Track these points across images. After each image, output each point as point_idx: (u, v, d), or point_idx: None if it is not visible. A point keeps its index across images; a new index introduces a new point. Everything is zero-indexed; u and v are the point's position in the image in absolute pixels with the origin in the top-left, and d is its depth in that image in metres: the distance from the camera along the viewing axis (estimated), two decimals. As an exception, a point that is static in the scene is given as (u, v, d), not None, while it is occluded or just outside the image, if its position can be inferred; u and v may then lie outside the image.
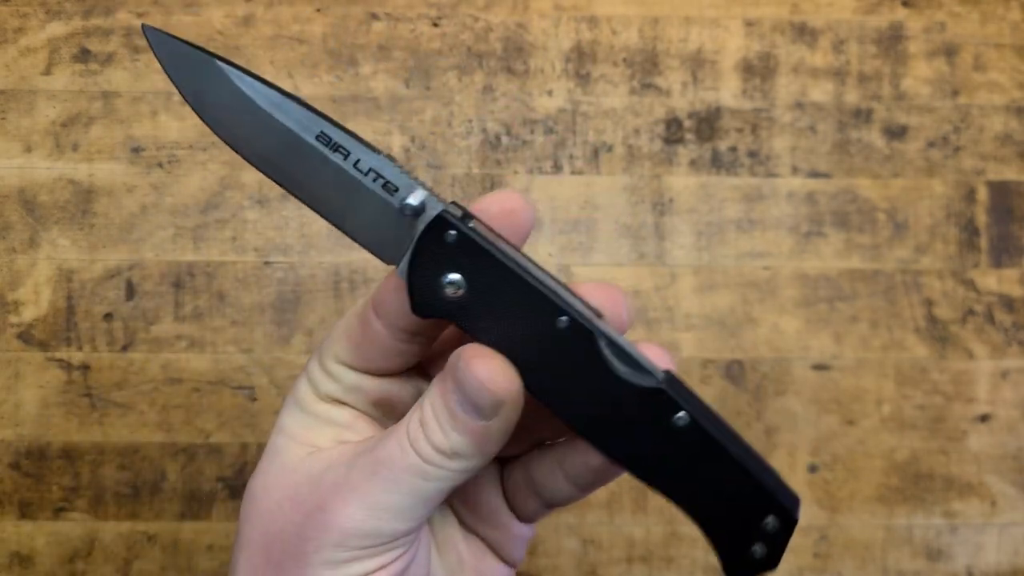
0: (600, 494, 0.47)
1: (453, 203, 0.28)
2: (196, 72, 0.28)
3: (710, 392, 0.47)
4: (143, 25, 0.28)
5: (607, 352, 0.27)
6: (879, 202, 0.48)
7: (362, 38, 0.48)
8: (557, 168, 0.48)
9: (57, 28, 0.47)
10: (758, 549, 0.28)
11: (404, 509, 0.27)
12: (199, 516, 0.46)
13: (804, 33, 0.49)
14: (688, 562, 0.47)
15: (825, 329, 0.48)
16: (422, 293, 0.28)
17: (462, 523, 0.33)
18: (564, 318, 0.27)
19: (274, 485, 0.29)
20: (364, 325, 0.29)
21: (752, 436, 0.47)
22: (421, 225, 0.27)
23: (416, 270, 0.27)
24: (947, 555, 0.48)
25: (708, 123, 0.48)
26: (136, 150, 0.47)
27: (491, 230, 0.28)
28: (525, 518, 0.32)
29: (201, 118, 0.28)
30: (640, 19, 0.48)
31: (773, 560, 0.28)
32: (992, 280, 0.48)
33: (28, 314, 0.46)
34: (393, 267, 0.28)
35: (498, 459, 0.32)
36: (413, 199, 0.27)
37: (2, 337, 0.46)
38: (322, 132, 0.28)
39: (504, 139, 0.48)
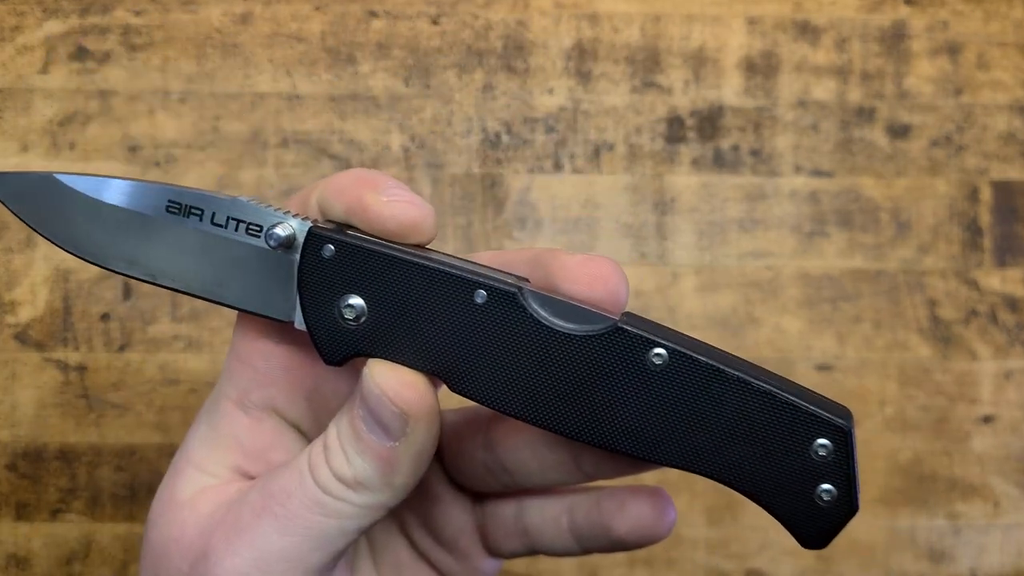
0: (601, 496, 0.47)
1: (325, 220, 0.25)
2: (36, 196, 0.25)
3: (712, 393, 0.47)
4: None
5: (541, 312, 0.23)
6: (882, 201, 0.48)
7: (361, 36, 0.47)
8: (558, 167, 0.47)
9: (54, 26, 0.47)
10: (823, 490, 0.22)
11: (300, 556, 0.23)
12: (197, 518, 0.46)
13: (807, 31, 0.48)
14: (690, 564, 0.47)
15: (828, 329, 0.47)
16: (325, 334, 0.24)
17: (413, 547, 0.29)
18: (481, 291, 0.23)
19: (163, 519, 0.25)
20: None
21: (754, 437, 0.47)
22: (297, 253, 0.24)
23: (310, 309, 0.24)
24: (950, 557, 0.47)
25: (710, 122, 0.48)
26: (133, 149, 0.47)
27: (374, 236, 0.24)
28: (499, 554, 0.29)
29: (62, 246, 0.25)
30: (641, 17, 0.48)
31: (847, 495, 0.22)
32: (995, 280, 0.48)
33: (24, 314, 0.46)
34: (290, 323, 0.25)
35: (470, 491, 0.28)
36: (279, 230, 0.24)
37: (-2, 337, 0.46)
38: (169, 201, 0.25)
39: (504, 138, 0.47)
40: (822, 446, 0.22)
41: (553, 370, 0.23)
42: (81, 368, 0.46)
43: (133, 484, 0.46)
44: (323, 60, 0.47)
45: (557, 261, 0.24)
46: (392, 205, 0.24)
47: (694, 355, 0.22)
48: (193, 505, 0.25)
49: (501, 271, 0.24)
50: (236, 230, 0.25)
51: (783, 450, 0.22)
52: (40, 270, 0.46)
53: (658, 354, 0.22)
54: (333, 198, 0.25)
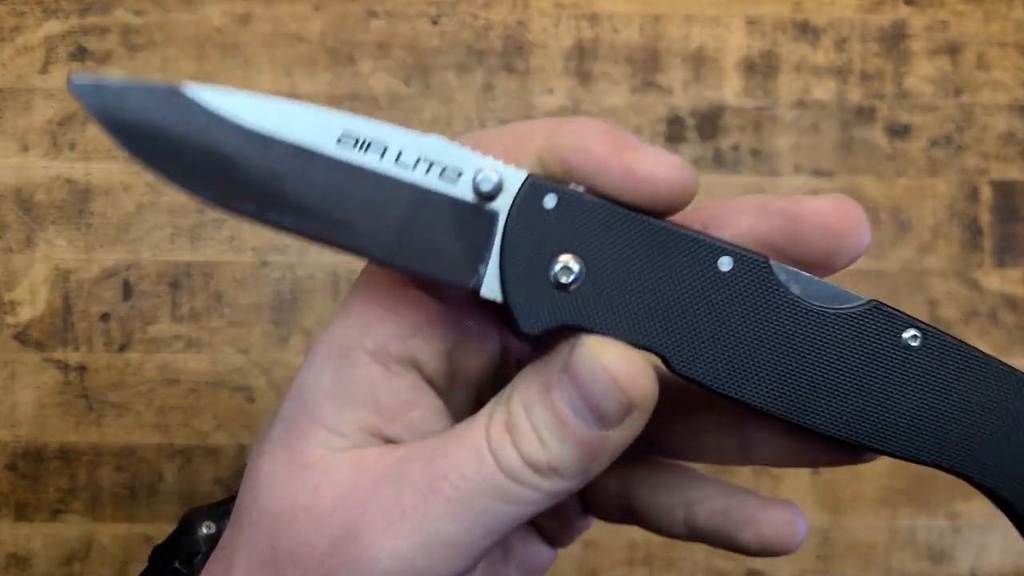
0: (601, 496, 0.47)
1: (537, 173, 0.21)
2: (152, 116, 0.20)
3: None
4: (70, 80, 0.21)
5: (791, 286, 0.20)
6: (882, 201, 0.48)
7: (361, 36, 0.47)
8: (558, 167, 0.47)
9: (54, 26, 0.47)
10: None
11: (467, 542, 0.21)
12: (197, 518, 0.46)
13: (806, 31, 0.48)
14: (689, 565, 0.47)
15: (828, 329, 0.47)
16: (528, 300, 0.20)
17: None
18: (726, 258, 0.20)
19: (286, 484, 0.22)
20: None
21: (754, 437, 0.47)
22: (503, 205, 0.20)
23: (513, 269, 0.20)
24: (950, 557, 0.47)
25: (710, 121, 0.48)
26: (133, 149, 0.47)
27: (597, 193, 0.21)
28: (597, 515, 0.27)
29: (171, 179, 0.21)
30: (641, 17, 0.48)
31: None
32: (996, 280, 0.48)
33: (24, 314, 0.46)
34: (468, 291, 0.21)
35: None
36: (489, 174, 0.20)
37: (-2, 337, 0.46)
38: (344, 132, 0.21)
39: (504, 138, 0.47)
40: None
41: (802, 349, 0.20)
42: (81, 368, 0.46)
43: (133, 484, 0.46)
44: (323, 60, 0.47)
45: (798, 205, 0.21)
46: (664, 165, 0.20)
47: (950, 337, 0.20)
48: (324, 470, 0.21)
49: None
50: (427, 173, 0.21)
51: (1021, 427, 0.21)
52: (40, 270, 0.46)
53: (914, 335, 0.20)
54: (573, 150, 0.21)
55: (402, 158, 0.21)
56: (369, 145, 0.21)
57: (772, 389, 0.21)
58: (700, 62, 0.48)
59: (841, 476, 0.47)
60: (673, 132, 0.48)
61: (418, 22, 0.48)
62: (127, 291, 0.46)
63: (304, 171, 0.21)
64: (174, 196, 0.46)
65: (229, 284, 0.46)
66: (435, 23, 0.48)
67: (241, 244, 0.46)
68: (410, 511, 0.20)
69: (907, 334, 0.20)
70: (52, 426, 0.46)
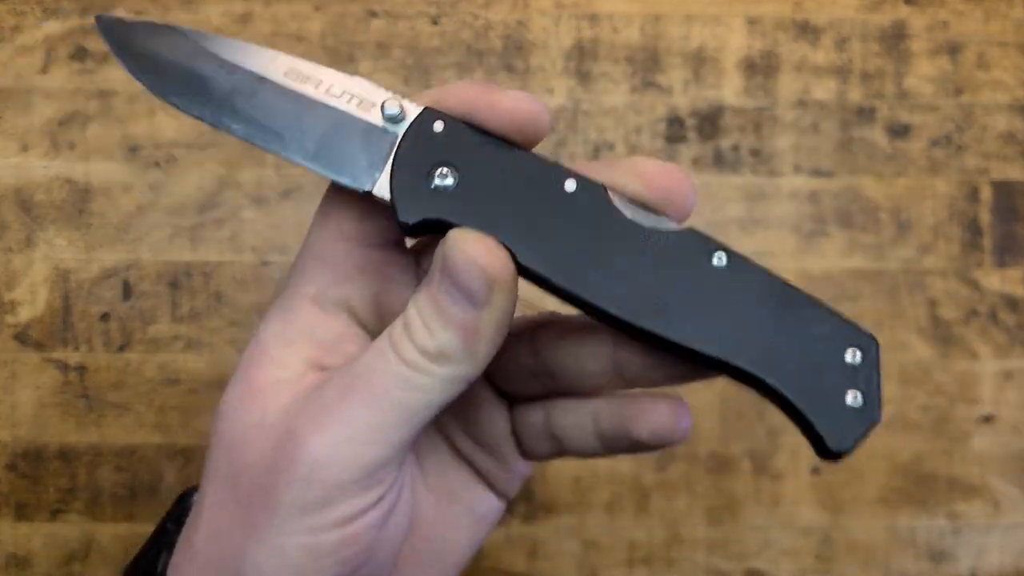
0: (601, 495, 0.47)
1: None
2: (153, 44, 0.28)
3: (712, 392, 0.47)
4: (98, 18, 0.28)
5: (623, 207, 0.25)
6: (882, 201, 0.48)
7: (361, 36, 0.47)
8: (558, 167, 0.47)
9: (54, 26, 0.47)
10: (850, 398, 0.24)
11: (386, 429, 0.24)
12: (197, 518, 0.46)
13: (806, 31, 0.48)
14: (689, 564, 0.47)
15: (828, 329, 0.47)
16: (407, 196, 0.25)
17: (455, 450, 0.30)
18: (571, 180, 0.25)
19: (240, 407, 0.26)
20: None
21: (755, 438, 0.47)
22: (401, 128, 0.26)
23: (400, 171, 0.26)
24: (950, 557, 0.47)
25: (710, 121, 0.48)
26: (133, 149, 0.47)
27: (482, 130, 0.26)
28: (531, 457, 0.30)
29: (159, 92, 0.27)
30: (641, 17, 0.48)
31: (872, 403, 0.24)
32: (996, 280, 0.48)
33: (24, 314, 0.46)
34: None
35: (507, 396, 0.30)
36: (392, 107, 0.26)
37: (-2, 337, 0.46)
38: (290, 67, 0.27)
39: (504, 138, 0.47)
40: (854, 354, 0.24)
41: (624, 256, 0.25)
42: (81, 368, 0.46)
43: (133, 484, 0.46)
44: (323, 60, 0.47)
45: (638, 166, 0.26)
46: (517, 98, 0.26)
47: (751, 261, 0.24)
48: (273, 394, 0.26)
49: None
50: (348, 102, 0.26)
51: (820, 353, 0.24)
52: (40, 270, 0.46)
53: (720, 256, 0.24)
54: (451, 96, 0.26)
55: (332, 90, 0.27)
56: (308, 79, 0.27)
57: (595, 286, 0.25)
58: (700, 62, 0.48)
59: (841, 477, 0.47)
60: (673, 132, 0.48)
61: (418, 22, 0.48)
62: (127, 291, 0.46)
63: (256, 92, 0.27)
64: (174, 196, 0.46)
65: (229, 284, 0.46)
66: (435, 23, 0.48)
67: (241, 244, 0.46)
68: (332, 407, 0.24)
69: (716, 255, 0.25)
70: (52, 426, 0.46)
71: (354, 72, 0.47)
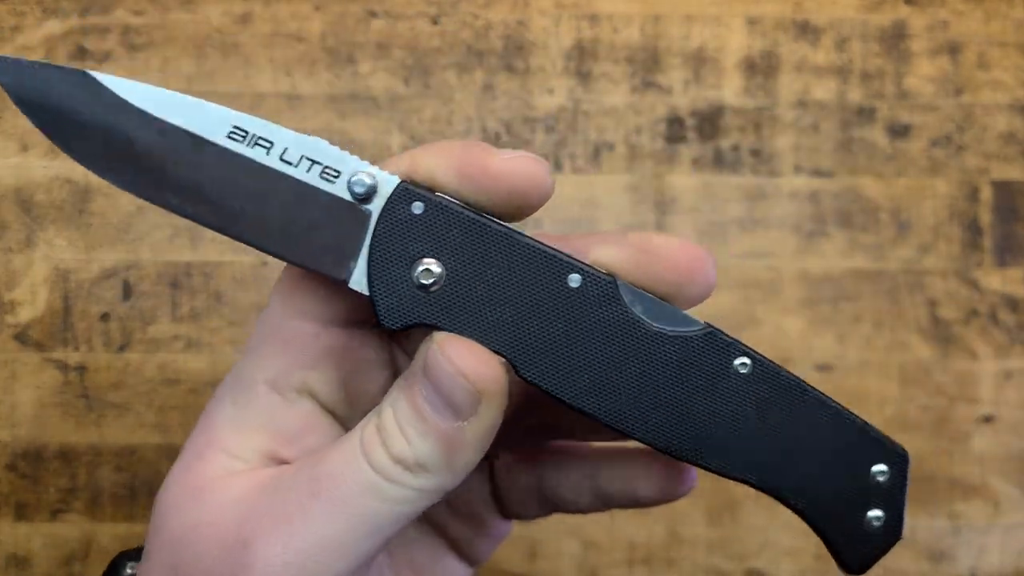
0: (601, 496, 0.47)
1: (409, 180, 0.23)
2: (63, 93, 0.23)
3: (712, 393, 0.47)
4: None
5: (634, 306, 0.22)
6: (882, 201, 0.48)
7: (361, 36, 0.47)
8: (558, 167, 0.47)
9: (54, 26, 0.47)
10: (873, 516, 0.22)
11: (349, 543, 0.21)
12: (197, 518, 0.46)
13: (807, 31, 0.48)
14: (689, 564, 0.47)
15: (828, 330, 0.47)
16: (390, 296, 0.22)
17: (425, 520, 0.27)
18: (575, 275, 0.22)
19: (186, 505, 0.23)
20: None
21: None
22: (376, 207, 0.22)
23: (378, 266, 0.22)
24: (950, 557, 0.47)
25: (710, 121, 0.48)
26: (133, 149, 0.47)
27: (464, 204, 0.23)
28: (513, 517, 0.28)
29: (73, 155, 0.22)
30: (641, 17, 0.48)
31: (895, 523, 0.22)
32: (996, 280, 0.48)
33: (24, 314, 0.46)
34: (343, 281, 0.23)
35: (488, 454, 0.27)
36: (364, 177, 0.22)
37: (-2, 337, 0.46)
38: (234, 127, 0.23)
39: (504, 138, 0.47)
40: (881, 472, 0.22)
41: (638, 365, 0.22)
42: (81, 368, 0.46)
43: (133, 484, 0.46)
44: (323, 60, 0.47)
45: (651, 242, 0.23)
46: (514, 161, 0.22)
47: (777, 368, 0.22)
48: (223, 489, 0.23)
49: (591, 264, 0.23)
50: (308, 171, 0.22)
51: (845, 470, 0.22)
52: (40, 270, 0.46)
53: (743, 363, 0.22)
54: (438, 157, 0.23)
55: (286, 154, 0.22)
56: (257, 140, 0.22)
57: (609, 402, 0.22)
58: (700, 62, 0.48)
59: (841, 476, 0.47)
60: (673, 132, 0.48)
61: (418, 22, 0.47)
62: (127, 291, 0.46)
63: (196, 159, 0.22)
64: (174, 196, 0.46)
65: (229, 284, 0.46)
66: (435, 23, 0.48)
67: (241, 244, 0.46)
68: (294, 515, 0.21)
69: (738, 361, 0.22)
70: (52, 426, 0.46)
71: (354, 73, 0.47)
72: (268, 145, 0.23)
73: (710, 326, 0.23)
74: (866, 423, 0.22)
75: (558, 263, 0.22)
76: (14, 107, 0.46)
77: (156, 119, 0.22)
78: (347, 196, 0.22)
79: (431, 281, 0.22)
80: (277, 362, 0.24)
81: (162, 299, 0.46)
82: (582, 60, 0.48)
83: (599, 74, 0.48)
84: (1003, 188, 0.48)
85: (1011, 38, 0.49)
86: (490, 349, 0.22)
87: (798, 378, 0.22)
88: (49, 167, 0.46)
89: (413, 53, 0.47)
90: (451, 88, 0.47)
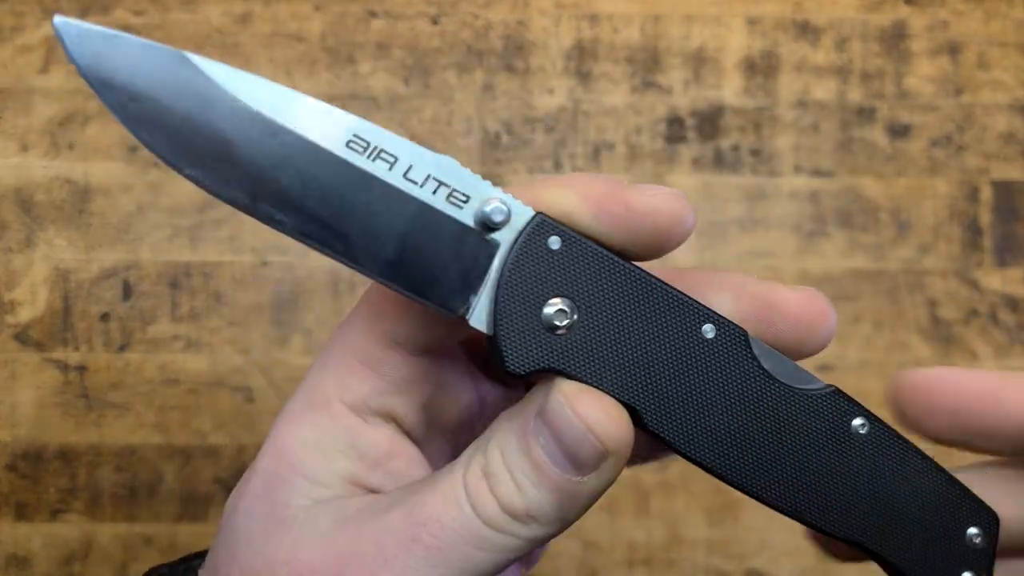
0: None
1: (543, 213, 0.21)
2: (148, 74, 0.19)
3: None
4: (55, 22, 0.19)
5: (764, 361, 0.22)
6: (882, 201, 0.48)
7: (361, 36, 0.47)
8: (558, 167, 0.47)
9: (53, 26, 0.47)
10: None
11: None
12: (196, 518, 0.46)
13: (807, 31, 0.48)
14: (689, 565, 0.47)
15: (828, 329, 0.47)
16: (518, 338, 0.20)
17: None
18: (709, 326, 0.21)
19: (269, 534, 0.21)
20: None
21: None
22: (504, 239, 0.20)
23: (507, 305, 0.20)
24: (950, 557, 0.47)
25: (710, 122, 0.48)
26: (133, 149, 0.47)
27: (586, 235, 0.21)
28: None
29: (151, 147, 0.20)
30: (641, 17, 0.48)
31: None
32: (996, 280, 0.48)
33: (24, 314, 0.46)
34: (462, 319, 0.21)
35: None
36: (497, 205, 0.20)
37: (-2, 337, 0.46)
38: (355, 135, 0.20)
39: (504, 138, 0.47)
40: (975, 535, 0.22)
41: (769, 421, 0.22)
42: (81, 368, 0.46)
43: (133, 484, 0.46)
44: (323, 60, 0.47)
45: (775, 294, 0.22)
46: (658, 198, 0.21)
47: (892, 430, 0.22)
48: (308, 521, 0.21)
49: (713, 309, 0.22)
50: (435, 193, 0.20)
51: (943, 532, 0.22)
52: (40, 270, 0.46)
53: (862, 424, 0.22)
54: (571, 191, 0.21)
55: (411, 173, 0.20)
56: (380, 153, 0.20)
57: (733, 458, 0.22)
58: (700, 62, 0.48)
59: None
60: (673, 132, 0.48)
61: (418, 22, 0.47)
62: (127, 291, 0.46)
63: (307, 167, 0.20)
64: (174, 196, 0.46)
65: (229, 284, 0.46)
66: (435, 23, 0.48)
67: (241, 244, 0.46)
68: (392, 560, 0.20)
69: (857, 421, 0.22)
70: (52, 426, 0.46)
71: (354, 73, 0.47)
72: (392, 160, 0.20)
73: (832, 385, 0.23)
74: (964, 486, 0.23)
75: (693, 311, 0.21)
76: (14, 107, 0.47)
77: (266, 119, 0.20)
78: (474, 224, 0.20)
79: (563, 323, 0.21)
80: (361, 387, 0.22)
81: (162, 299, 0.46)
82: (582, 60, 0.48)
83: (599, 74, 0.48)
84: (1003, 188, 0.48)
85: (1011, 38, 0.48)
86: (616, 398, 0.21)
87: (909, 440, 0.23)
88: (49, 167, 0.46)
89: (413, 53, 0.47)
90: (451, 88, 0.47)
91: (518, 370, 0.21)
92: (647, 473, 0.47)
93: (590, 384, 0.21)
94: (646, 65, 0.48)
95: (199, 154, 0.20)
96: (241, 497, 0.22)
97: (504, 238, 0.20)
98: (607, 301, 0.21)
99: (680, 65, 0.48)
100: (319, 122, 0.20)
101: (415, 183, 0.20)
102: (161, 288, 0.46)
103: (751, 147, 0.48)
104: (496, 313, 0.20)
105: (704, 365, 0.21)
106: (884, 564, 0.23)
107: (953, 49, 0.48)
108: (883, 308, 0.47)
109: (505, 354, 0.20)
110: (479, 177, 0.21)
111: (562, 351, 0.21)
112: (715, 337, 0.21)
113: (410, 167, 0.20)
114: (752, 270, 0.47)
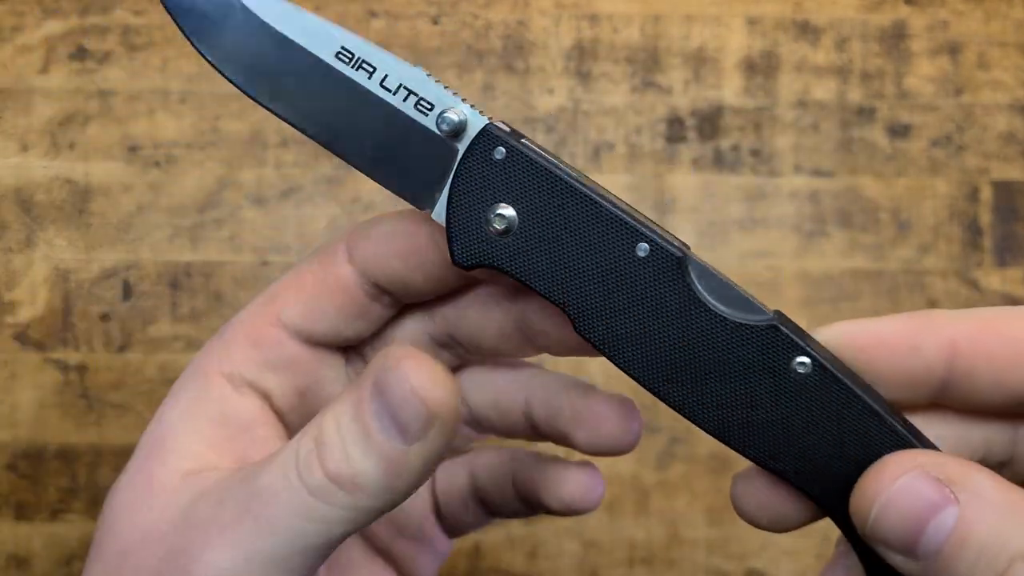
0: (601, 496, 0.47)
1: (500, 121, 0.23)
2: (220, 23, 0.24)
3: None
4: None
5: (699, 285, 0.22)
6: (882, 201, 0.48)
7: (361, 36, 0.47)
8: (558, 167, 0.47)
9: (54, 26, 0.47)
10: None
11: (283, 559, 0.21)
12: (197, 518, 0.46)
13: (807, 31, 0.48)
14: (690, 565, 0.47)
15: (828, 329, 0.47)
16: (465, 234, 0.23)
17: (368, 543, 0.27)
18: (644, 245, 0.22)
19: (137, 506, 0.23)
20: (326, 272, 0.24)
21: (754, 437, 0.47)
22: (462, 146, 0.23)
23: (457, 204, 0.23)
24: (950, 557, 0.47)
25: (710, 121, 0.48)
26: (133, 149, 0.47)
27: (545, 150, 0.23)
28: (456, 531, 0.28)
29: (207, 57, 0.24)
30: (641, 17, 0.48)
31: None
32: (996, 280, 0.48)
33: (24, 314, 0.46)
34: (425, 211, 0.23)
35: None
36: (452, 115, 0.23)
37: (-2, 337, 0.46)
38: (342, 47, 0.23)
39: (504, 138, 0.47)
40: None
41: (696, 347, 0.22)
42: (81, 368, 0.46)
43: (133, 484, 0.46)
44: (323, 60, 0.47)
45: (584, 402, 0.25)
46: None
47: (837, 374, 0.21)
48: (171, 493, 0.23)
49: (665, 231, 0.23)
50: (404, 100, 0.23)
51: None
52: (40, 270, 0.46)
53: (802, 363, 0.22)
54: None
55: (386, 81, 0.23)
56: (362, 63, 0.23)
57: (659, 375, 0.22)
58: (700, 62, 0.48)
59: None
60: (673, 132, 0.48)
61: (418, 22, 0.47)
62: (127, 291, 0.46)
63: (305, 72, 0.23)
64: (174, 196, 0.46)
65: (229, 284, 0.46)
66: (435, 23, 0.48)
67: (241, 244, 0.46)
68: (225, 530, 0.21)
69: (797, 360, 0.22)
70: (52, 426, 0.46)
71: (354, 72, 0.47)
72: (371, 69, 0.23)
73: (777, 316, 0.22)
74: (916, 432, 0.22)
75: (629, 229, 0.22)
76: (14, 107, 0.47)
77: (274, 30, 0.23)
78: (436, 130, 0.23)
79: (504, 227, 0.22)
80: (240, 358, 0.24)
81: (162, 299, 0.46)
82: (582, 60, 0.48)
83: (599, 74, 0.48)
84: (1003, 188, 0.48)
85: (1011, 38, 0.49)
86: (551, 301, 0.23)
87: (859, 381, 0.22)
88: (49, 167, 0.46)
89: (413, 53, 0.47)
90: (451, 88, 0.47)
91: (463, 262, 0.23)
92: (647, 473, 0.47)
93: (527, 284, 0.23)
94: (646, 65, 0.48)
95: (236, 62, 0.24)
96: (124, 471, 0.24)
97: (461, 144, 0.23)
98: (546, 211, 0.22)
99: (680, 65, 0.48)
100: (313, 34, 0.23)
101: (389, 90, 0.23)
102: (161, 288, 0.46)
103: (751, 147, 0.48)
104: (448, 211, 0.23)
105: (634, 282, 0.22)
106: (818, 501, 0.22)
107: (953, 49, 0.48)
108: (883, 308, 0.47)
109: (453, 247, 0.23)
110: (444, 87, 0.24)
111: (502, 252, 0.23)
112: (647, 256, 0.22)
113: (385, 76, 0.23)
114: (752, 270, 0.47)
